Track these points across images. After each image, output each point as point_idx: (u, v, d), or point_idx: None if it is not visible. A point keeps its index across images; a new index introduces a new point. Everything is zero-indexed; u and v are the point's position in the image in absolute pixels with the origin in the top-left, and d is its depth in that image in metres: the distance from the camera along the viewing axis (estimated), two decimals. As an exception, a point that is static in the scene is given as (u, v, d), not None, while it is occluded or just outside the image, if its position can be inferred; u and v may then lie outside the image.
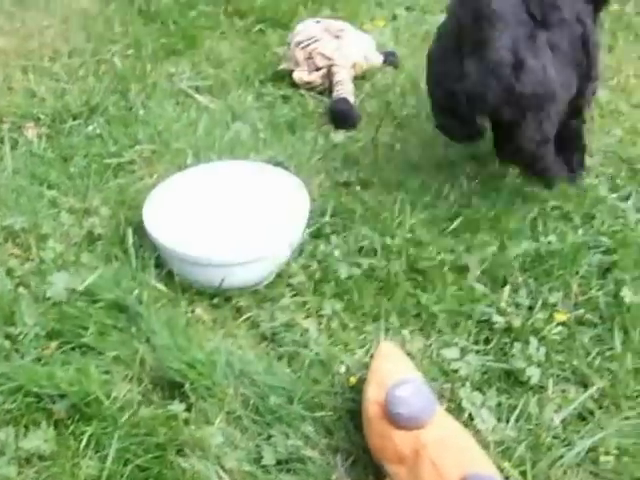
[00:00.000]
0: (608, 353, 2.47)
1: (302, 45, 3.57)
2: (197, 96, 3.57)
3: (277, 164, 3.05)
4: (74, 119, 3.44)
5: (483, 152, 3.20)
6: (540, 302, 2.60)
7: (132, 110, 3.48)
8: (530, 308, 2.59)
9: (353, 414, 2.21)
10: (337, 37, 3.65)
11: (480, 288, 2.64)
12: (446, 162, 3.14)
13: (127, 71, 3.70)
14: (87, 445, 2.14)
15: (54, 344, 2.41)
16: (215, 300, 2.61)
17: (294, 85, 3.57)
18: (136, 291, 2.55)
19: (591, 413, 2.27)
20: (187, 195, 2.84)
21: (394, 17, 4.25)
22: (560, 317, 2.54)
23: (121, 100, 3.55)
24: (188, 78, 3.70)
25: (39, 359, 2.36)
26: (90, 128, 3.37)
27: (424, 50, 3.64)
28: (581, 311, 2.58)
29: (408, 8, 4.34)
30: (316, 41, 3.57)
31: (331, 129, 3.34)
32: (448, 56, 2.70)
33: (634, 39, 4.14)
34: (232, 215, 2.82)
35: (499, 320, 2.53)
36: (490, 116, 2.72)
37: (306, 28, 3.64)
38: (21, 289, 2.58)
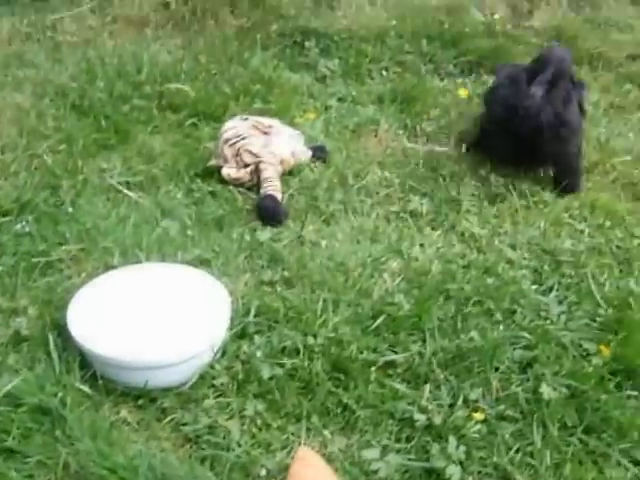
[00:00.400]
0: (529, 448, 2.51)
1: (230, 142, 3.61)
2: (127, 192, 3.58)
3: (203, 262, 3.07)
4: (4, 215, 3.42)
5: (408, 248, 3.24)
6: (461, 399, 2.62)
7: (62, 207, 3.47)
8: (451, 405, 2.61)
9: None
10: (265, 133, 3.70)
11: (402, 386, 2.65)
12: (371, 259, 3.17)
13: (58, 167, 3.70)
14: None
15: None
16: (140, 401, 2.60)
17: (223, 181, 3.59)
18: (60, 394, 2.53)
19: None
20: (111, 296, 2.85)
21: (327, 108, 4.30)
22: (479, 416, 2.55)
23: (51, 197, 3.54)
24: (119, 174, 3.70)
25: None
26: (19, 226, 3.35)
27: (353, 142, 3.75)
28: (501, 407, 2.61)
29: (340, 99, 4.40)
30: (244, 138, 3.61)
31: (258, 226, 3.36)
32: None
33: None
34: (156, 317, 2.83)
35: (420, 418, 2.55)
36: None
37: (234, 125, 3.69)
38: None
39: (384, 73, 4.67)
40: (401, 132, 4.09)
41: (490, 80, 4.50)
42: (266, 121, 3.77)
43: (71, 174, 3.66)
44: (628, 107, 4.59)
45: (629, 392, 2.71)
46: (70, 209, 3.44)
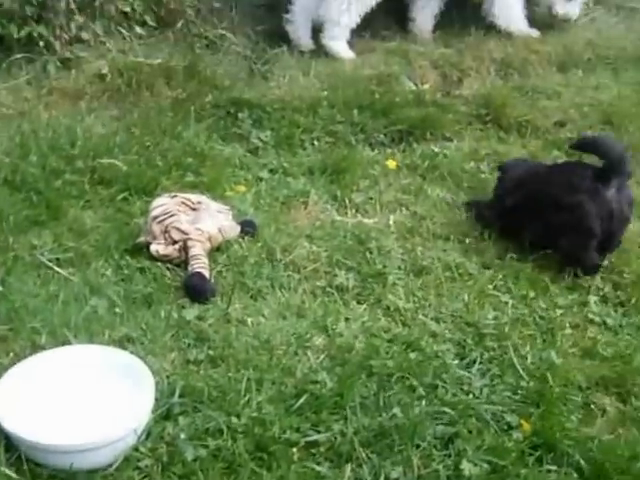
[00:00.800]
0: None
1: (159, 219, 3.62)
2: (58, 269, 3.57)
3: (130, 341, 3.08)
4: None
5: (333, 323, 3.26)
6: (382, 478, 2.64)
7: (-8, 286, 3.46)
8: (373, 483, 2.62)
9: None
10: (194, 210, 3.73)
11: (324, 467, 2.67)
12: (296, 336, 3.19)
13: (-11, 244, 3.69)
14: None
15: None
16: (66, 484, 2.59)
17: (152, 257, 3.60)
18: (-16, 479, 2.52)
19: None
20: (37, 379, 2.85)
21: (258, 180, 4.33)
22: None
23: (-18, 276, 3.53)
24: (50, 250, 3.69)
25: None
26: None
27: (283, 215, 3.78)
28: (423, 485, 2.63)
29: (271, 171, 4.43)
30: (172, 215, 3.63)
31: (186, 303, 3.37)
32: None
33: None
34: (81, 399, 2.83)
35: (342, 498, 2.56)
36: None
37: (163, 203, 3.70)
38: None
39: (316, 143, 4.71)
40: (331, 204, 4.13)
41: (419, 149, 4.59)
42: (194, 197, 3.80)
43: (1, 251, 3.64)
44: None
45: (549, 466, 2.75)
46: (0, 287, 3.42)
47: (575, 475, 2.73)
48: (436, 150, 4.73)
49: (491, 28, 6.20)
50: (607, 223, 3.68)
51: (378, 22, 6.08)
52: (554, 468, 2.75)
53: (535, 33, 6.25)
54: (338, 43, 5.72)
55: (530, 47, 6.04)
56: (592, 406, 3.02)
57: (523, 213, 3.82)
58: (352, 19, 5.75)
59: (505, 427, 2.87)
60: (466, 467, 2.69)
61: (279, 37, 5.85)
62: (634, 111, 5.39)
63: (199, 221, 3.66)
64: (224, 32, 5.76)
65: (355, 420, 2.82)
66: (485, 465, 2.71)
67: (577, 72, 5.92)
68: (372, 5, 5.74)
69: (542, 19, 6.50)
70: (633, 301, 3.60)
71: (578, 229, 3.67)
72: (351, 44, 5.78)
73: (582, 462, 2.75)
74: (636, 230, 4.01)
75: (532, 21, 6.32)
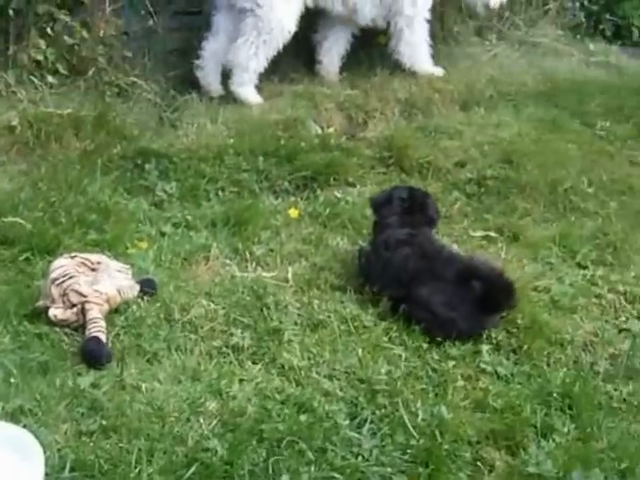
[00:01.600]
0: None
1: (57, 282, 3.54)
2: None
3: (24, 413, 2.99)
4: None
5: (227, 386, 3.20)
6: None
7: None
8: None
9: None
10: (94, 270, 3.65)
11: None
12: (189, 401, 3.12)
13: None
14: None
15: None
16: None
17: (51, 322, 3.51)
18: None
19: None
20: None
21: (161, 234, 4.26)
22: None
23: None
24: (-50, 315, 3.59)
25: None
26: None
27: (184, 271, 3.72)
28: None
29: (175, 224, 4.37)
30: (70, 277, 3.55)
31: (82, 369, 3.28)
32: None
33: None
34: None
35: None
36: None
37: (62, 264, 3.62)
38: None
39: (220, 194, 4.67)
40: (231, 258, 4.08)
41: (322, 196, 4.55)
42: (94, 257, 3.73)
43: None
44: (454, 216, 4.67)
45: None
46: None
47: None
48: (339, 196, 4.71)
49: (397, 67, 6.18)
50: None
51: (287, 65, 6.06)
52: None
53: (439, 72, 6.25)
54: (246, 89, 5.68)
55: (434, 86, 6.05)
56: (481, 462, 2.98)
57: None
58: (260, 64, 5.71)
59: (393, 490, 2.82)
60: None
61: (190, 83, 5.81)
62: (533, 149, 5.43)
63: (98, 282, 3.58)
64: (135, 79, 5.68)
65: (246, 489, 2.76)
66: (370, 534, 2.66)
67: (479, 110, 5.95)
68: (279, 48, 5.69)
69: (446, 56, 6.51)
70: (525, 347, 3.59)
71: None
72: (259, 88, 5.75)
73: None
74: (528, 275, 4.00)
75: (436, 59, 6.30)
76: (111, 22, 5.68)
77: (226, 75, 5.77)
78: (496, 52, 6.84)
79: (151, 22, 5.91)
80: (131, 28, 5.82)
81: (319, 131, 5.35)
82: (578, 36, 7.54)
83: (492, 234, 4.52)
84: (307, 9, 5.77)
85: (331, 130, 5.36)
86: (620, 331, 3.84)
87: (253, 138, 5.08)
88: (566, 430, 3.16)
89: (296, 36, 5.77)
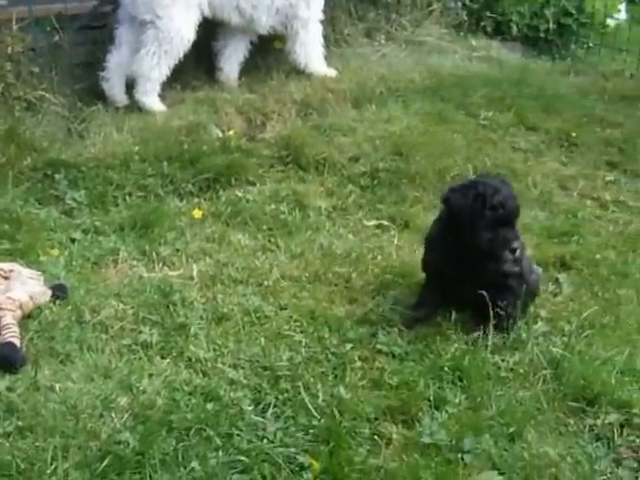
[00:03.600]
0: None
1: (-29, 292, 3.50)
2: None
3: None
4: None
5: (137, 381, 3.19)
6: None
7: None
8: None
9: None
10: (6, 278, 3.61)
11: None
12: (102, 397, 3.10)
13: None
14: None
15: None
16: None
17: (-32, 329, 3.45)
18: None
19: None
20: None
21: (71, 241, 4.21)
22: None
23: None
24: None
25: None
26: None
27: (94, 275, 3.69)
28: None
29: (84, 231, 4.32)
30: (-16, 287, 3.51)
31: (-1, 374, 3.24)
32: None
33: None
34: None
35: None
36: None
37: (-25, 273, 3.58)
38: None
39: (127, 199, 4.63)
40: (139, 260, 4.06)
41: (224, 196, 4.55)
42: (7, 266, 3.68)
43: None
44: (349, 208, 4.71)
45: (339, 503, 2.74)
46: None
47: (361, 507, 2.72)
48: (240, 195, 4.71)
49: (292, 71, 6.20)
50: None
51: (188, 73, 6.02)
52: (344, 504, 2.73)
53: (332, 72, 6.28)
54: (150, 98, 5.64)
55: (327, 86, 6.07)
56: (379, 437, 3.02)
57: None
58: (162, 73, 5.67)
59: (297, 468, 2.84)
60: (265, 513, 2.66)
61: (96, 95, 5.73)
62: (421, 140, 5.50)
63: (11, 290, 3.54)
64: (44, 93, 5.57)
65: (156, 478, 2.75)
66: (278, 509, 2.68)
67: (370, 107, 5.99)
68: (180, 57, 5.66)
69: (338, 57, 6.55)
70: (417, 327, 3.63)
71: None
72: (162, 96, 5.71)
73: (367, 495, 2.76)
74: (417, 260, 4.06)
75: (329, 60, 6.33)
76: (18, 38, 5.56)
77: (130, 85, 5.70)
78: (385, 52, 6.88)
79: (57, 37, 5.80)
80: (38, 44, 5.70)
81: (220, 134, 5.33)
82: (461, 33, 7.63)
83: (385, 223, 4.58)
84: (206, 19, 5.74)
85: (231, 133, 5.34)
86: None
87: (157, 144, 5.05)
88: (457, 401, 3.21)
89: (196, 45, 5.75)
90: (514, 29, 7.96)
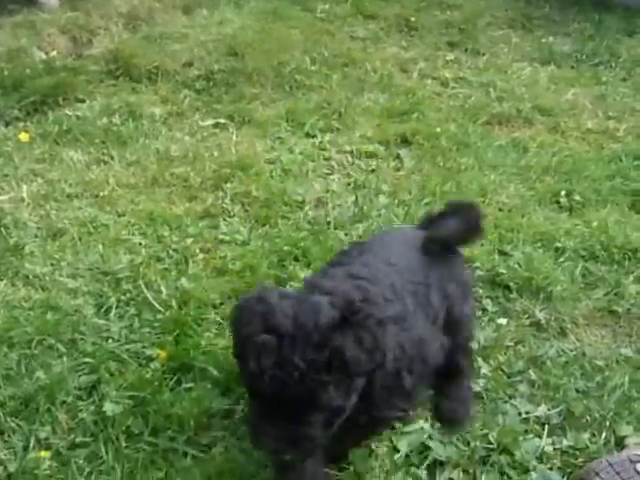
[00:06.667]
0: (102, 467, 2.55)
1: None
2: None
3: None
4: None
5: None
6: (33, 441, 2.62)
7: None
8: (25, 449, 2.59)
9: None
10: None
11: None
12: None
13: None
14: None
15: None
16: None
17: None
18: None
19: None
20: None
21: None
22: (46, 453, 2.57)
23: None
24: None
25: None
26: None
27: None
28: (72, 437, 2.64)
29: None
30: None
31: None
32: None
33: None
34: None
35: (-3, 469, 2.53)
36: None
37: None
38: None
39: (-51, 131, 4.52)
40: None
41: (52, 117, 4.49)
42: None
43: None
44: (185, 112, 4.72)
45: (187, 385, 2.82)
46: None
47: (209, 386, 2.80)
48: (69, 114, 4.65)
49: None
50: None
51: (3, -3, 5.86)
52: (191, 385, 2.81)
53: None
54: (-37, 27, 5.48)
55: (154, -4, 6.00)
56: (225, 320, 3.08)
57: None
58: (-25, 1, 5.51)
59: (145, 361, 2.92)
60: (108, 408, 2.72)
61: None
62: (257, 39, 5.54)
63: None
64: None
65: (1, 393, 2.76)
66: (127, 401, 2.74)
67: (201, 12, 5.99)
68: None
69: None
70: (263, 215, 3.70)
71: None
72: (-22, 26, 5.55)
73: (215, 372, 2.84)
74: (259, 152, 4.12)
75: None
76: None
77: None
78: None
79: None
80: None
81: (43, 57, 5.22)
82: None
83: (222, 121, 4.60)
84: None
85: (55, 54, 5.24)
86: (348, 184, 4.01)
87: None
88: (303, 275, 3.28)
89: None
90: None
